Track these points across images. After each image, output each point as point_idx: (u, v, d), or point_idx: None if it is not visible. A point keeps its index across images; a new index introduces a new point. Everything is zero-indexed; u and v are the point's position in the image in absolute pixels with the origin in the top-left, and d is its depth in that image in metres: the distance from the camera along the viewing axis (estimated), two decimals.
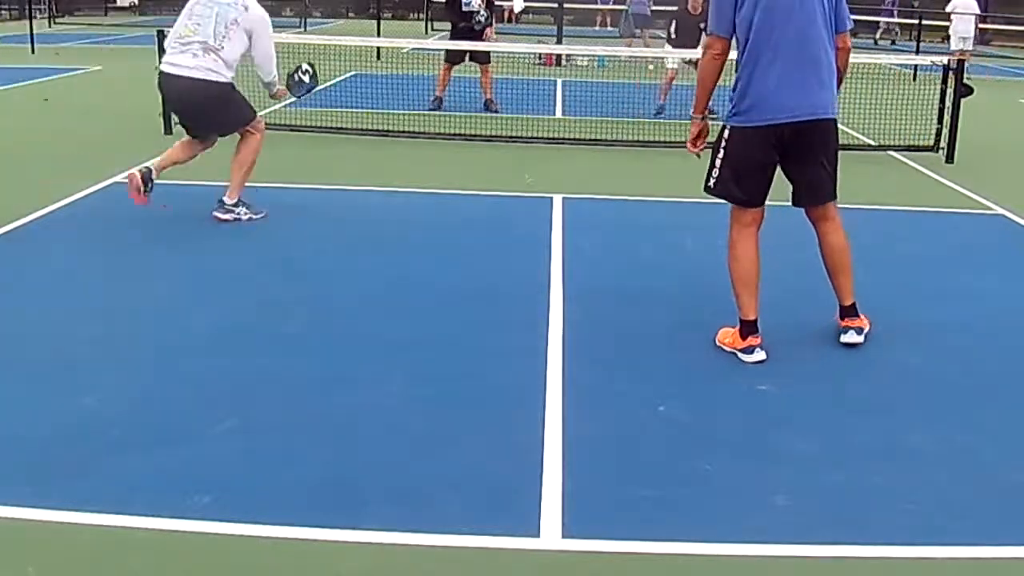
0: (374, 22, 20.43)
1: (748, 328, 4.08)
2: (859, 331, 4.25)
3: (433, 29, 26.17)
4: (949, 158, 8.80)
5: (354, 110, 9.90)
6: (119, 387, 3.71)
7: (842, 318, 4.28)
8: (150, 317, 4.47)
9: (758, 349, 4.05)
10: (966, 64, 9.12)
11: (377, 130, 9.31)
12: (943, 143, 8.93)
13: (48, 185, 6.78)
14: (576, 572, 2.69)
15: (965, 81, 8.79)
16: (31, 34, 17.85)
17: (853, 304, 4.27)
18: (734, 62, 4.10)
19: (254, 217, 6.04)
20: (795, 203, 4.26)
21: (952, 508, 3.03)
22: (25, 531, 2.77)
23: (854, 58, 4.71)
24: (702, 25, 12.11)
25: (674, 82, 11.36)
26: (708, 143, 4.29)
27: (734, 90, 4.04)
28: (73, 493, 2.92)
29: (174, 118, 9.02)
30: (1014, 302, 5.07)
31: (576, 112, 11.46)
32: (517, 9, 28.08)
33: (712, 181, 4.14)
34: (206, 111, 5.90)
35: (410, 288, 4.97)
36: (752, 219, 4.13)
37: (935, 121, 9.11)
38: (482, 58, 10.88)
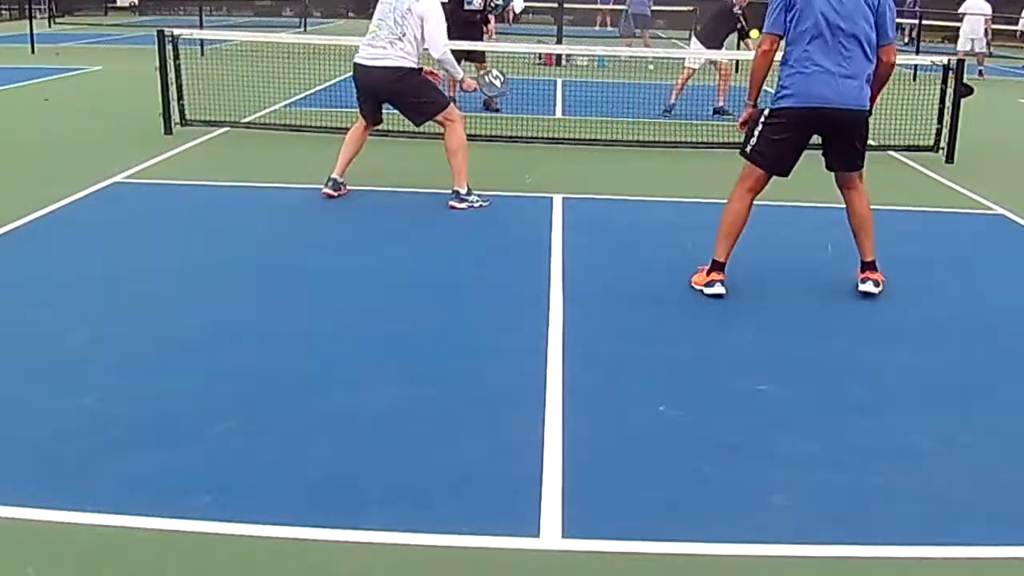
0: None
1: (715, 267, 4.81)
2: (876, 283, 4.87)
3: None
4: (949, 158, 8.80)
5: (354, 110, 9.86)
6: (119, 387, 3.71)
7: (862, 271, 4.91)
8: (150, 317, 4.47)
9: (719, 284, 4.77)
10: (981, 65, 9.11)
11: (377, 130, 9.27)
12: (943, 143, 8.93)
13: (48, 185, 6.78)
14: (576, 572, 2.69)
15: (965, 81, 8.79)
16: (31, 34, 17.85)
17: (872, 261, 4.91)
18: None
19: (484, 205, 6.55)
20: (829, 168, 4.97)
21: (952, 508, 3.03)
22: (25, 531, 2.77)
23: None
24: (739, 24, 12.11)
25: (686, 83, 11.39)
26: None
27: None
28: (73, 493, 2.92)
29: (174, 117, 9.08)
30: (1014, 302, 5.06)
31: (576, 112, 11.45)
32: (518, 9, 28.07)
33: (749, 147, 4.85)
34: (401, 94, 6.53)
35: (410, 288, 4.97)
36: (757, 183, 4.88)
37: (935, 121, 9.11)
38: (478, 57, 10.84)
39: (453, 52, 6.85)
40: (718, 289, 4.76)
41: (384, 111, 6.84)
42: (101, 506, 2.85)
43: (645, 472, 3.19)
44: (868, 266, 4.93)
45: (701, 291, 4.80)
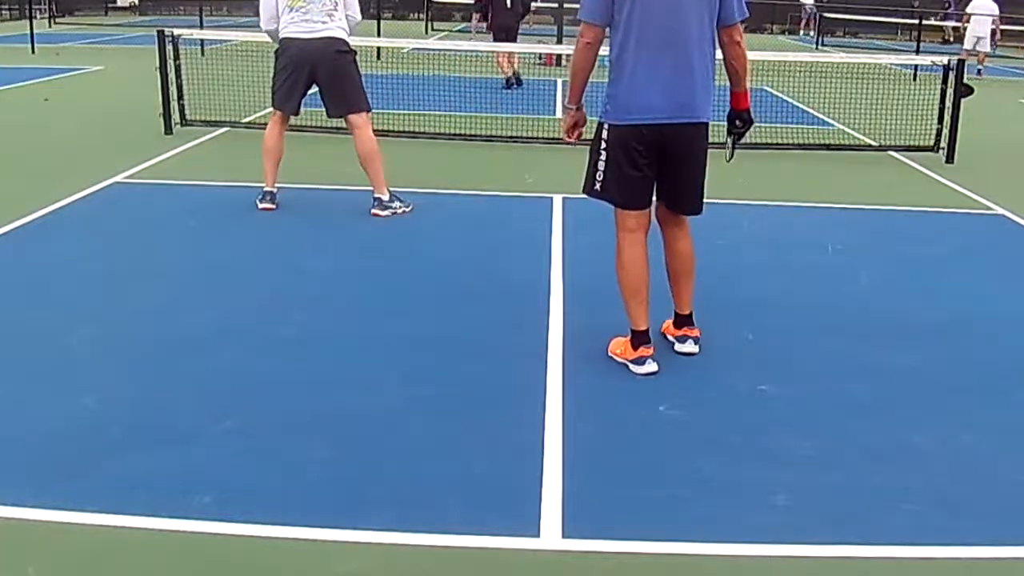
0: (374, 22, 20.47)
1: (639, 338, 3.98)
2: (696, 340, 4.18)
3: (433, 29, 26.21)
4: (949, 158, 8.81)
5: None
6: (119, 387, 3.71)
7: (678, 327, 4.22)
8: (150, 317, 4.47)
9: (650, 360, 3.95)
10: (980, 65, 9.13)
11: (377, 130, 9.23)
12: (943, 143, 8.93)
13: (48, 185, 6.79)
14: (576, 572, 2.69)
15: (965, 81, 8.79)
16: (31, 34, 17.86)
17: (690, 314, 4.22)
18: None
19: (407, 211, 6.33)
20: (660, 200, 4.15)
21: (952, 508, 3.03)
22: (25, 531, 2.77)
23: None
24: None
25: None
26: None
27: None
28: (73, 493, 2.92)
29: (174, 117, 9.08)
30: (1014, 302, 5.07)
31: None
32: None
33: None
34: (338, 74, 6.23)
35: (410, 288, 4.97)
36: (637, 223, 4.08)
37: (935, 121, 9.11)
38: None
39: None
40: (650, 367, 3.95)
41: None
42: (101, 506, 2.85)
43: (645, 472, 3.20)
44: (686, 320, 4.24)
45: (626, 366, 4.01)
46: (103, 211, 6.39)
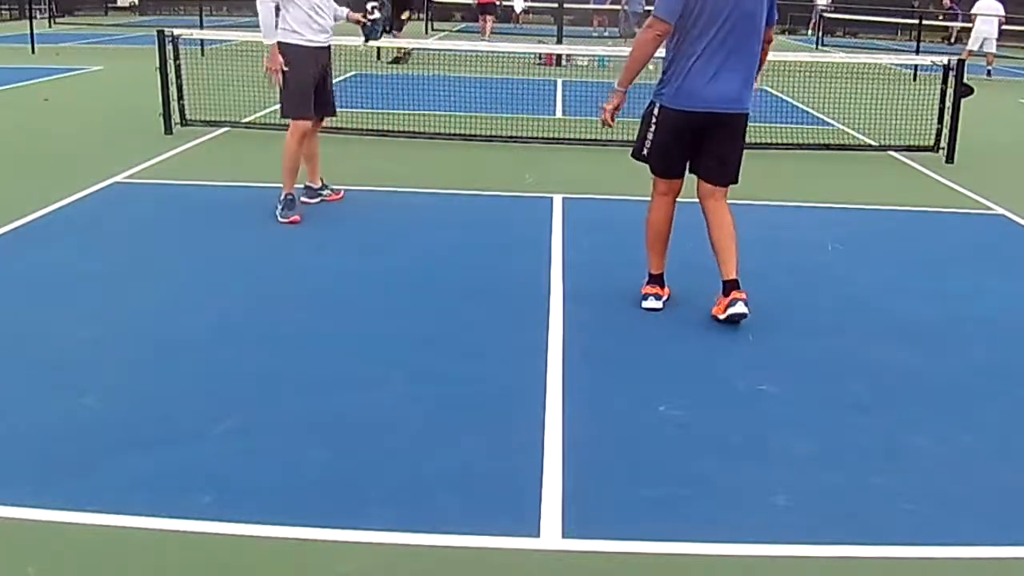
0: None
1: (653, 280, 4.72)
2: (745, 303, 4.49)
3: (433, 29, 26.21)
4: (949, 158, 8.80)
5: (354, 110, 9.89)
6: (119, 387, 3.71)
7: (727, 293, 4.52)
8: (150, 317, 4.47)
9: (651, 297, 4.66)
10: (990, 66, 9.14)
11: (377, 130, 9.31)
12: (943, 143, 8.93)
13: (48, 185, 6.79)
14: (576, 572, 2.69)
15: (967, 81, 8.79)
16: (31, 34, 17.85)
17: (736, 279, 4.55)
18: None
19: (287, 220, 6.05)
20: (702, 177, 4.65)
21: (952, 508, 3.03)
22: (25, 531, 2.77)
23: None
24: None
25: None
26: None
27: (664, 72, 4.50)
28: (73, 493, 2.92)
29: (174, 117, 9.08)
30: (1014, 302, 5.06)
31: (576, 112, 11.45)
32: (518, 9, 28.11)
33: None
34: (328, 75, 6.43)
35: (410, 288, 4.97)
36: (669, 188, 4.67)
37: (935, 121, 9.11)
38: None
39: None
40: (652, 303, 4.69)
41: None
42: (101, 506, 2.85)
43: (645, 472, 3.19)
44: (732, 285, 4.57)
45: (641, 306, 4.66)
46: (103, 211, 6.39)
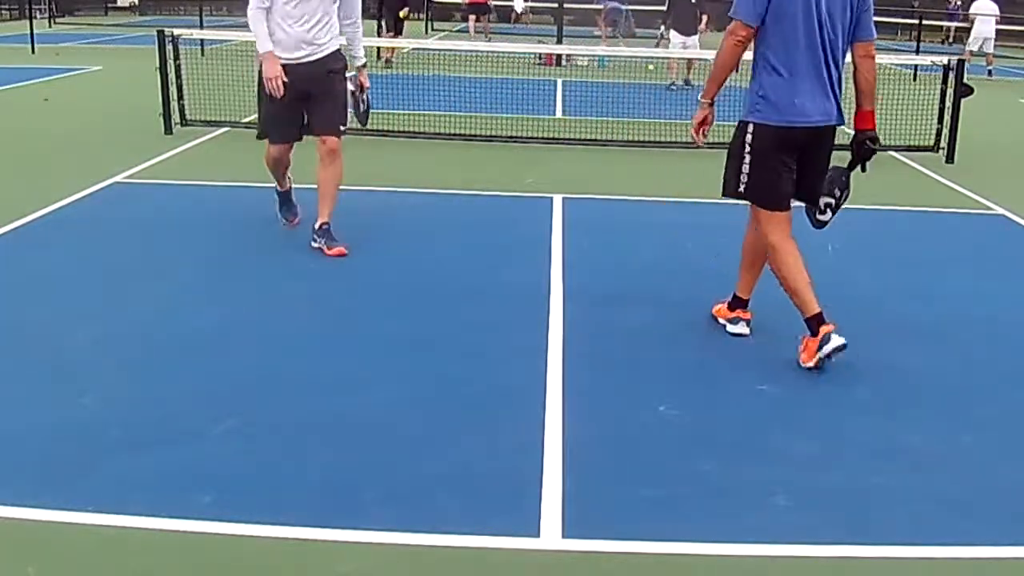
0: (374, 22, 20.49)
1: (818, 320, 3.98)
2: (748, 323, 4.33)
3: (433, 29, 26.21)
4: (949, 158, 8.81)
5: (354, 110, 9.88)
6: (119, 387, 3.71)
7: (733, 308, 4.40)
8: (150, 317, 4.47)
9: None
10: (990, 66, 9.14)
11: (377, 130, 9.30)
12: (943, 143, 8.93)
13: (48, 185, 6.78)
14: (576, 572, 2.69)
15: (965, 81, 8.79)
16: (31, 34, 17.86)
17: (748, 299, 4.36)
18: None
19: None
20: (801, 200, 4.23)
21: (952, 508, 3.03)
22: (25, 531, 2.77)
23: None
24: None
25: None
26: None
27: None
28: (73, 493, 2.92)
29: (174, 117, 9.08)
30: (1014, 302, 5.07)
31: (576, 112, 11.46)
32: (518, 9, 28.12)
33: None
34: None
35: (410, 288, 4.97)
36: (787, 220, 4.13)
37: (935, 121, 9.11)
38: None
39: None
40: (837, 341, 3.95)
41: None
42: (101, 506, 2.85)
43: (645, 472, 3.19)
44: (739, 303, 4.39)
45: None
46: (103, 211, 6.39)
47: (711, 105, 4.12)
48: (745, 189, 4.05)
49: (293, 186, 5.91)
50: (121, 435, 3.32)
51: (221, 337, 4.26)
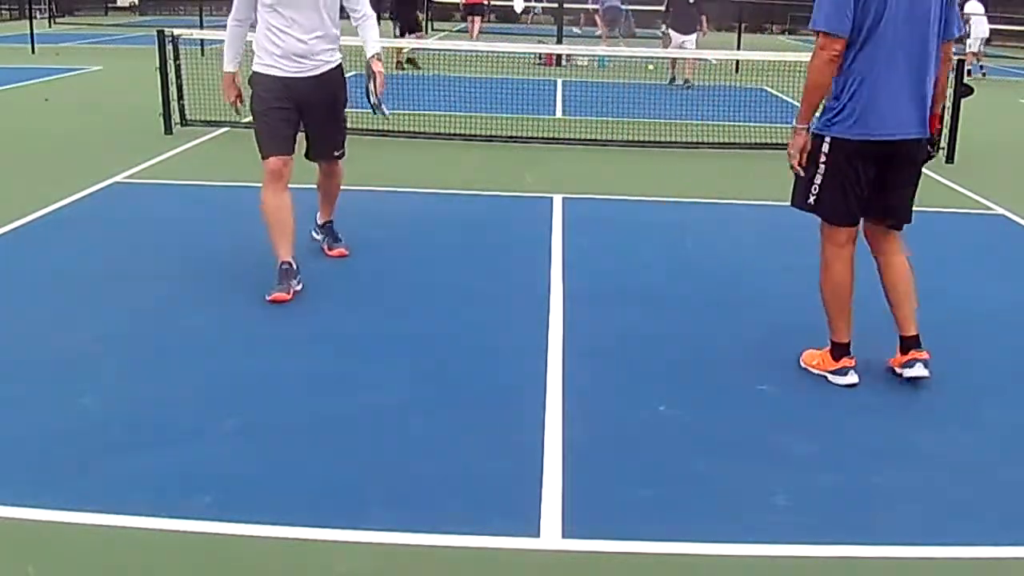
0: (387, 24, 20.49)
1: (841, 350, 3.92)
2: (926, 364, 3.88)
3: (433, 29, 26.19)
4: (949, 158, 8.80)
5: (354, 110, 9.86)
6: (119, 387, 3.71)
7: (905, 351, 3.92)
8: (150, 317, 4.47)
9: (852, 371, 3.89)
10: (977, 63, 9.13)
11: (377, 130, 9.30)
12: (943, 143, 8.92)
13: (48, 185, 6.79)
14: (576, 572, 2.69)
15: (965, 81, 8.80)
16: (31, 34, 17.87)
17: (917, 335, 3.93)
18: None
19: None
20: (872, 216, 3.96)
21: (952, 508, 3.03)
22: (25, 531, 2.77)
23: None
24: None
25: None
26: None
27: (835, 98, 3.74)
28: (73, 493, 2.92)
29: (174, 117, 9.08)
30: (1014, 302, 5.06)
31: (576, 112, 11.46)
32: (518, 9, 28.14)
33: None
34: None
35: (409, 288, 4.97)
36: (849, 237, 3.93)
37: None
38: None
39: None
40: (852, 378, 3.88)
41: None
42: (101, 506, 2.84)
43: (645, 472, 3.19)
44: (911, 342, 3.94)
45: (825, 378, 3.95)
46: (103, 211, 6.39)
47: (807, 130, 3.80)
48: (815, 203, 3.87)
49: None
50: (121, 435, 3.32)
51: (221, 337, 4.26)
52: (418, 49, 15.25)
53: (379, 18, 5.42)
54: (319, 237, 5.44)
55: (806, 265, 5.58)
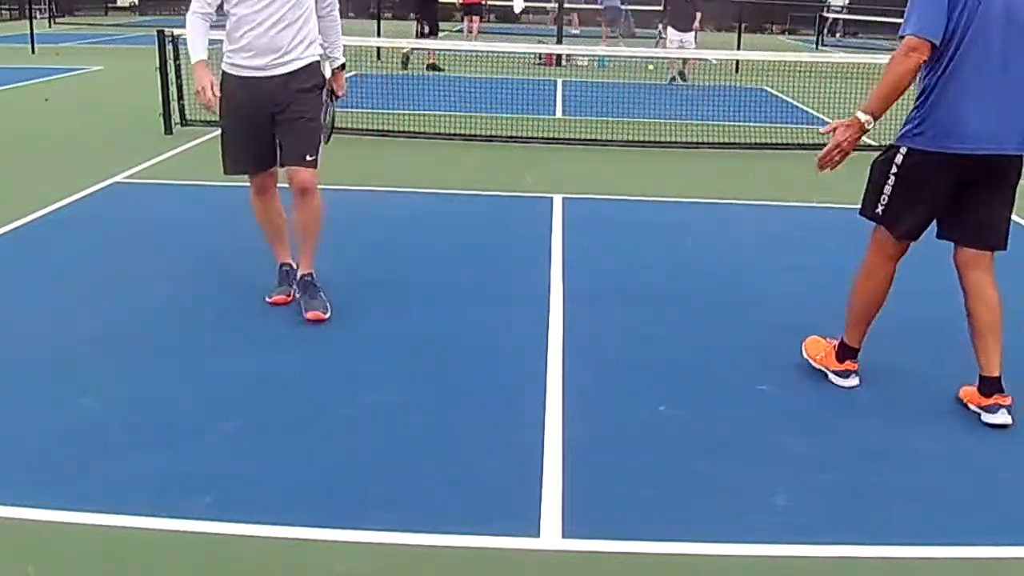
0: (374, 22, 20.47)
1: (848, 352, 3.88)
2: (1009, 409, 3.59)
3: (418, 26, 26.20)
4: None
5: (354, 110, 9.89)
6: (119, 387, 3.71)
7: (987, 394, 3.62)
8: (150, 316, 4.47)
9: (854, 374, 3.87)
10: None
11: (377, 130, 9.31)
12: None
13: (48, 185, 6.79)
14: (576, 572, 2.69)
15: None
16: (31, 34, 17.87)
17: (1000, 376, 3.65)
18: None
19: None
20: (963, 239, 3.79)
21: (952, 508, 3.03)
22: (25, 531, 2.77)
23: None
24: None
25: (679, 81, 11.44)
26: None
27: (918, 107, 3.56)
28: (73, 493, 2.92)
29: (174, 117, 9.07)
30: (1014, 302, 5.05)
31: (576, 112, 11.46)
32: (517, 10, 28.12)
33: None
34: None
35: (409, 288, 4.97)
36: (899, 251, 3.84)
37: None
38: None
39: None
40: (853, 381, 3.87)
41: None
42: (101, 506, 2.85)
43: (645, 472, 3.19)
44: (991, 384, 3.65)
45: (824, 372, 3.94)
46: (103, 211, 6.39)
47: (864, 125, 3.60)
48: (883, 213, 3.71)
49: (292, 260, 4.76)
50: (121, 435, 3.32)
51: (221, 337, 4.26)
52: (418, 49, 15.26)
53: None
54: (277, 293, 4.64)
55: (806, 265, 5.60)
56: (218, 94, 4.50)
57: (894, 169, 3.64)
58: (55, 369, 3.85)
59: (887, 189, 3.67)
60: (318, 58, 4.50)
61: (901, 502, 3.04)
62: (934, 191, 3.59)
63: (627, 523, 2.88)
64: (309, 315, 4.42)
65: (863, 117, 3.57)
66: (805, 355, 4.02)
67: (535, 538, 2.79)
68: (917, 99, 3.56)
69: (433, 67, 15.32)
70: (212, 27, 4.56)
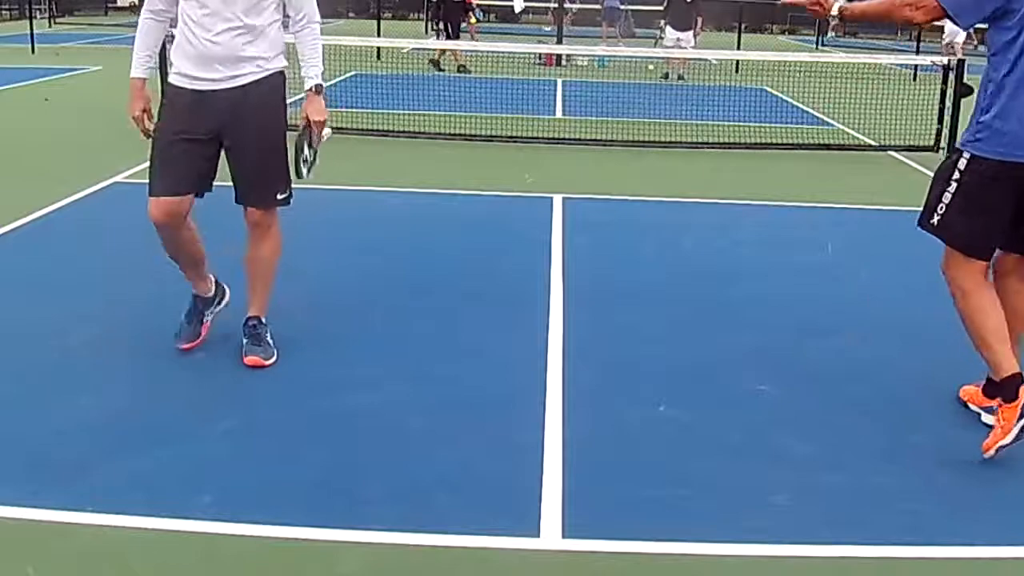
0: (374, 22, 20.47)
1: (1018, 383, 3.33)
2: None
3: (433, 29, 26.22)
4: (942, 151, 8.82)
5: (354, 110, 9.90)
6: (119, 387, 3.71)
7: (991, 395, 3.47)
8: (150, 316, 4.47)
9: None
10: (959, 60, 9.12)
11: (377, 130, 9.31)
12: (943, 143, 8.93)
13: (48, 185, 6.78)
14: (576, 572, 2.69)
15: (965, 81, 8.81)
16: (31, 34, 17.87)
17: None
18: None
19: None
20: (1011, 249, 3.53)
21: (952, 508, 3.03)
22: (25, 531, 2.77)
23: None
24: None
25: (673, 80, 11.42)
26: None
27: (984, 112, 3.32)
28: (73, 493, 2.91)
29: None
30: None
31: (576, 112, 11.47)
32: (517, 9, 28.13)
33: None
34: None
35: (409, 288, 4.97)
36: (981, 273, 3.51)
37: (935, 121, 9.12)
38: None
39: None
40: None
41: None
42: (101, 506, 2.84)
43: (645, 472, 3.19)
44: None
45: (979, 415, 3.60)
46: (103, 211, 6.39)
47: (826, 8, 3.44)
48: (939, 224, 3.43)
49: (217, 282, 4.33)
50: (121, 435, 3.32)
51: (220, 337, 4.25)
52: (418, 49, 15.27)
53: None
54: (201, 330, 4.10)
55: (806, 265, 5.60)
56: (152, 122, 3.93)
57: (955, 175, 3.37)
58: (55, 369, 3.85)
59: (946, 197, 3.40)
60: (282, 69, 3.83)
61: (901, 502, 3.04)
62: (997, 202, 3.32)
63: (627, 523, 2.88)
64: (248, 360, 3.85)
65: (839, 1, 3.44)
66: (970, 403, 3.65)
67: (535, 538, 2.79)
68: (982, 102, 3.34)
69: (463, 68, 15.29)
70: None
